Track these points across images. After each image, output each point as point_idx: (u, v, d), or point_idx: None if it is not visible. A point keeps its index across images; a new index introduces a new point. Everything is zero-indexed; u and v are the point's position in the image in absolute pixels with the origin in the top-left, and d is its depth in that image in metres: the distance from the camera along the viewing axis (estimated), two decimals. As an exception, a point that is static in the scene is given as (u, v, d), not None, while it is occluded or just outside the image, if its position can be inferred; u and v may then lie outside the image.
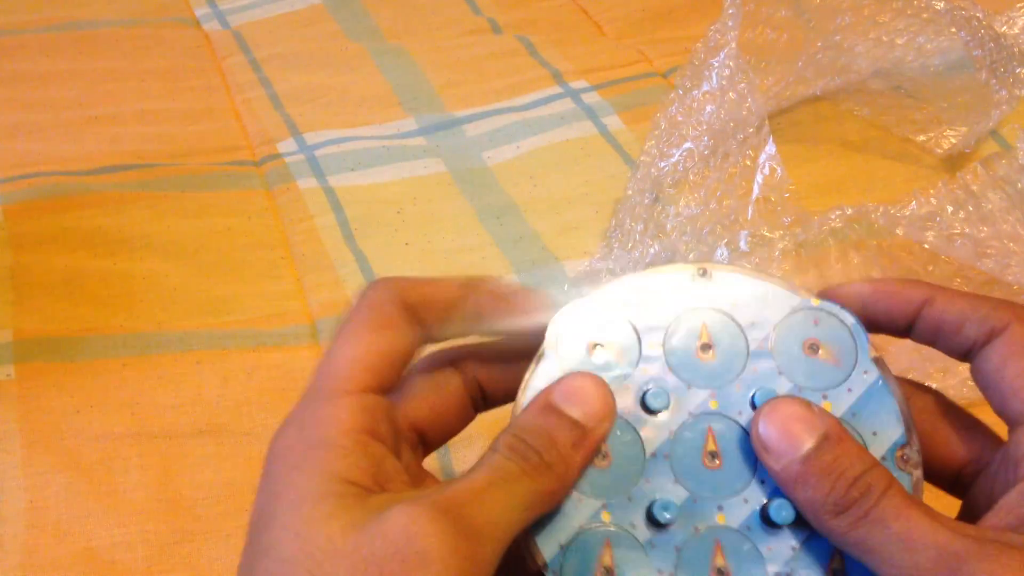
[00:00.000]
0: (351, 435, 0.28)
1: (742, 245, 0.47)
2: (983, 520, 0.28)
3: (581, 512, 0.30)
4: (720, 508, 0.30)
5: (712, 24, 0.55)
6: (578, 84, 0.64)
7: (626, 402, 0.31)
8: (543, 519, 0.29)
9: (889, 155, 0.59)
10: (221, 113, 0.63)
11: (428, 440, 0.32)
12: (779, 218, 0.47)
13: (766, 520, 0.30)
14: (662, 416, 0.31)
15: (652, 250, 0.50)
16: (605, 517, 0.30)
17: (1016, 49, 0.56)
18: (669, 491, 0.30)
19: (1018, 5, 0.61)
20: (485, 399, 0.33)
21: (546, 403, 0.30)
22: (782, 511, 0.29)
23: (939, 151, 0.58)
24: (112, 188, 0.56)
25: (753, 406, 0.31)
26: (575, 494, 0.30)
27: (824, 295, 0.33)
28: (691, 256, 0.48)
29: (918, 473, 0.31)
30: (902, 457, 0.31)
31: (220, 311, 0.50)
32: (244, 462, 0.44)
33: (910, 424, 0.31)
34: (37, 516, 0.41)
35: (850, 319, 0.32)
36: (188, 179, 0.58)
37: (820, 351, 0.32)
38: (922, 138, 0.59)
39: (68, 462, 0.43)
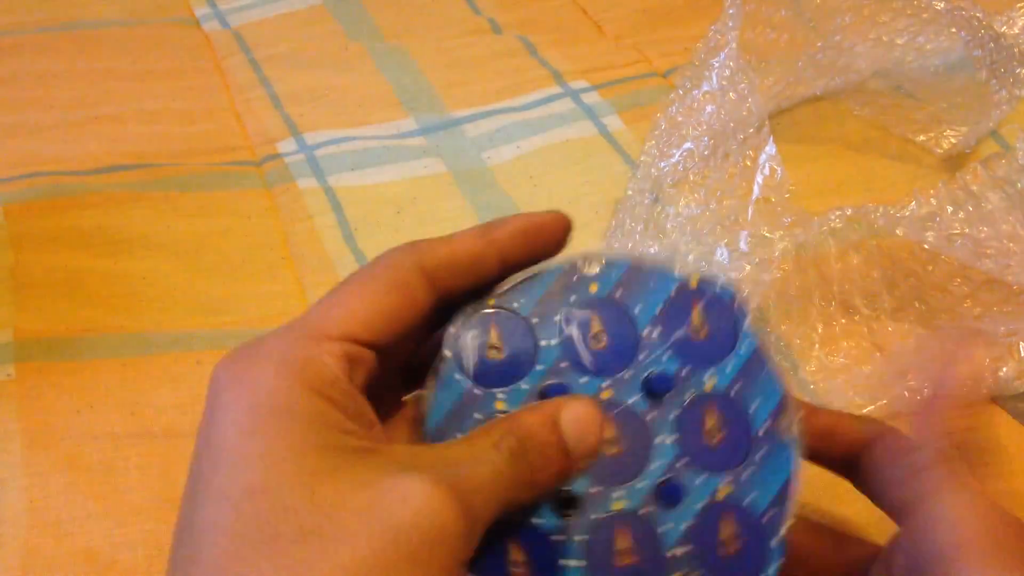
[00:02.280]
0: (342, 384, 0.27)
1: (742, 245, 0.47)
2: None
3: None
4: (619, 495, 0.31)
5: (712, 24, 0.55)
6: (578, 84, 0.64)
7: (527, 397, 0.32)
8: None
9: (889, 155, 0.59)
10: (221, 113, 0.63)
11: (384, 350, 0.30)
12: (779, 218, 0.47)
13: (661, 500, 0.32)
14: None
15: (652, 250, 0.50)
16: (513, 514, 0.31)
17: (1016, 49, 0.56)
18: (572, 483, 0.31)
19: (1018, 5, 0.61)
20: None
21: (554, 421, 0.30)
22: (677, 491, 0.32)
23: (939, 151, 0.58)
24: (112, 188, 0.56)
25: (647, 390, 0.33)
26: None
27: None
28: (690, 257, 0.48)
29: (793, 436, 0.33)
30: (780, 418, 0.33)
31: (220, 311, 0.50)
32: (244, 462, 0.44)
33: (785, 391, 0.33)
34: (37, 516, 0.41)
35: (728, 295, 0.34)
36: (188, 179, 0.58)
37: (702, 330, 0.33)
38: (922, 138, 0.59)
39: (68, 462, 0.43)
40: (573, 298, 0.33)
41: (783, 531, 0.32)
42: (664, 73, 0.65)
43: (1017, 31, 0.60)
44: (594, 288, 0.34)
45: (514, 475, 0.28)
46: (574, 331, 0.33)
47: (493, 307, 0.33)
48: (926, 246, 0.47)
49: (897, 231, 0.46)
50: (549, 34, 0.69)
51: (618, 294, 0.34)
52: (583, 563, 0.31)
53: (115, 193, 0.56)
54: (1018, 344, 0.46)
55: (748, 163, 0.51)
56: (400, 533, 0.25)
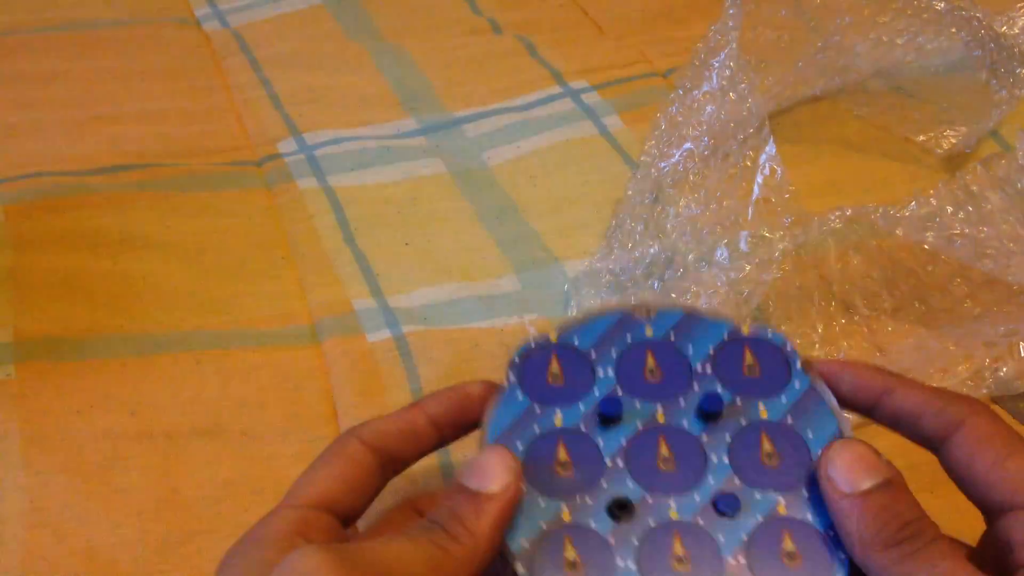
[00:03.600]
0: (278, 534, 0.31)
1: (742, 245, 0.47)
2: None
3: (545, 513, 0.32)
4: (674, 504, 0.33)
5: (712, 24, 0.55)
6: (578, 84, 0.64)
7: (585, 418, 0.35)
8: (514, 522, 0.32)
9: (889, 155, 0.59)
10: (221, 113, 0.63)
11: (343, 514, 0.34)
12: (779, 218, 0.47)
13: (717, 511, 0.32)
14: (618, 426, 0.34)
15: (652, 250, 0.50)
16: (565, 517, 0.32)
17: (1016, 49, 0.56)
18: (627, 491, 0.33)
19: (1018, 5, 0.61)
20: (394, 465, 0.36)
21: (455, 484, 0.32)
22: (730, 503, 0.32)
23: (939, 151, 0.58)
24: (112, 188, 0.56)
25: (700, 415, 0.35)
26: (540, 498, 0.33)
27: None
28: (690, 257, 0.48)
29: None
30: None
31: (220, 311, 0.50)
32: (244, 462, 0.44)
33: (842, 418, 0.34)
34: (37, 516, 0.41)
35: (779, 340, 0.36)
36: (188, 179, 0.58)
37: (755, 369, 0.36)
38: (922, 138, 0.59)
39: (68, 462, 0.43)
40: (629, 338, 0.36)
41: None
42: (664, 73, 0.65)
43: (1017, 31, 0.60)
44: (649, 332, 0.37)
45: (428, 539, 0.30)
46: (629, 364, 0.36)
47: (553, 343, 0.36)
48: (926, 246, 0.47)
49: (897, 231, 0.46)
50: (549, 34, 0.69)
51: (672, 336, 0.36)
52: (636, 564, 0.31)
53: (115, 193, 0.56)
54: (1018, 344, 0.46)
55: (748, 163, 0.51)
56: None
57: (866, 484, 0.31)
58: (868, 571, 0.31)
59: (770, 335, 0.36)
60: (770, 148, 0.48)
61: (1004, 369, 0.45)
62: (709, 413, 0.34)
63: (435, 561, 0.30)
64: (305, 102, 0.64)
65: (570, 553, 0.32)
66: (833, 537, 0.32)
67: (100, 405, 0.46)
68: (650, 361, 0.36)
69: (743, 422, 0.34)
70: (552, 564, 0.31)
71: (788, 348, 0.36)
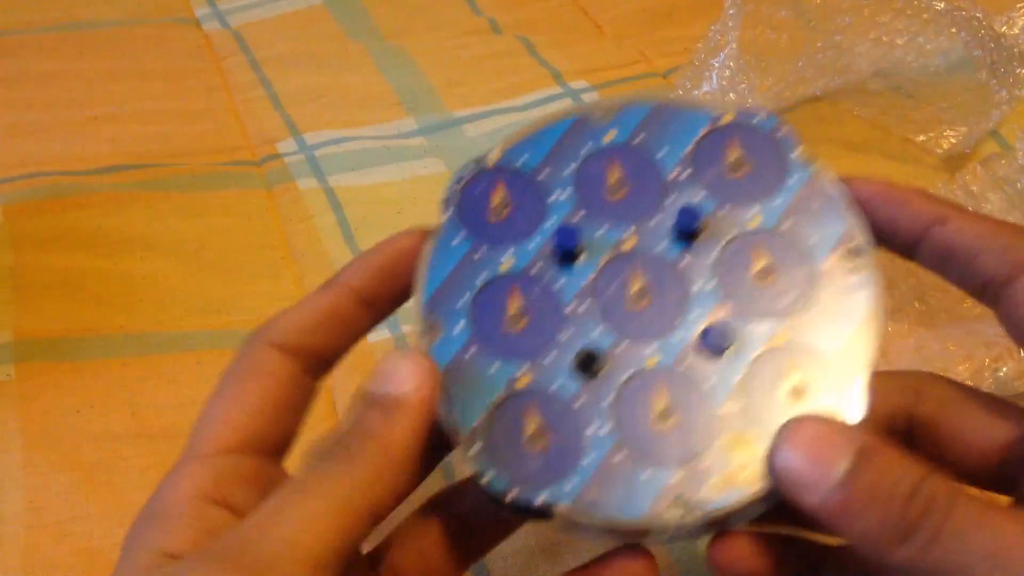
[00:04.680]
0: (184, 503, 0.26)
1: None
2: None
3: (499, 379, 0.27)
4: (652, 349, 0.27)
5: (712, 24, 0.55)
6: (578, 84, 0.64)
7: (538, 257, 0.29)
8: (457, 395, 0.27)
9: (889, 155, 0.59)
10: (221, 113, 0.63)
11: (271, 447, 0.29)
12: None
13: (705, 350, 0.27)
14: (579, 262, 0.29)
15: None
16: (522, 382, 0.27)
17: (1016, 49, 0.56)
18: (594, 340, 0.28)
19: (1018, 5, 0.61)
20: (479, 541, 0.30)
21: (357, 393, 0.27)
22: (719, 337, 0.27)
23: (939, 151, 0.58)
24: (112, 188, 0.56)
25: (678, 235, 0.29)
26: (490, 364, 0.27)
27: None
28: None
29: (869, 272, 0.28)
30: (849, 250, 0.28)
31: (220, 311, 0.50)
32: (244, 462, 0.44)
33: (854, 214, 0.28)
34: (37, 516, 0.41)
35: (770, 124, 0.30)
36: (188, 179, 0.58)
37: (743, 167, 0.29)
38: (922, 138, 0.59)
39: (68, 462, 0.43)
40: (585, 150, 0.30)
41: (866, 377, 0.27)
42: (664, 73, 0.65)
43: (1017, 31, 0.60)
44: (610, 136, 0.30)
45: (319, 476, 0.25)
46: (588, 183, 0.29)
47: (494, 166, 0.30)
48: (926, 246, 0.47)
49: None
50: (549, 34, 0.69)
51: (638, 139, 0.30)
52: (612, 429, 0.27)
53: (115, 193, 0.56)
54: (1018, 344, 0.46)
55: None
56: None
57: (838, 469, 0.24)
58: (901, 574, 0.24)
59: (758, 120, 0.30)
60: (770, 148, 0.48)
61: (1004, 369, 0.45)
62: (686, 231, 0.28)
63: (340, 497, 0.24)
64: (305, 102, 0.64)
65: (530, 425, 0.27)
66: (846, 365, 0.26)
67: (100, 405, 0.46)
68: (613, 174, 0.29)
69: (730, 236, 0.28)
70: (508, 442, 0.27)
71: (782, 133, 0.30)
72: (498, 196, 0.30)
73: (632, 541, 0.27)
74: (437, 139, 0.61)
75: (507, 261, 0.29)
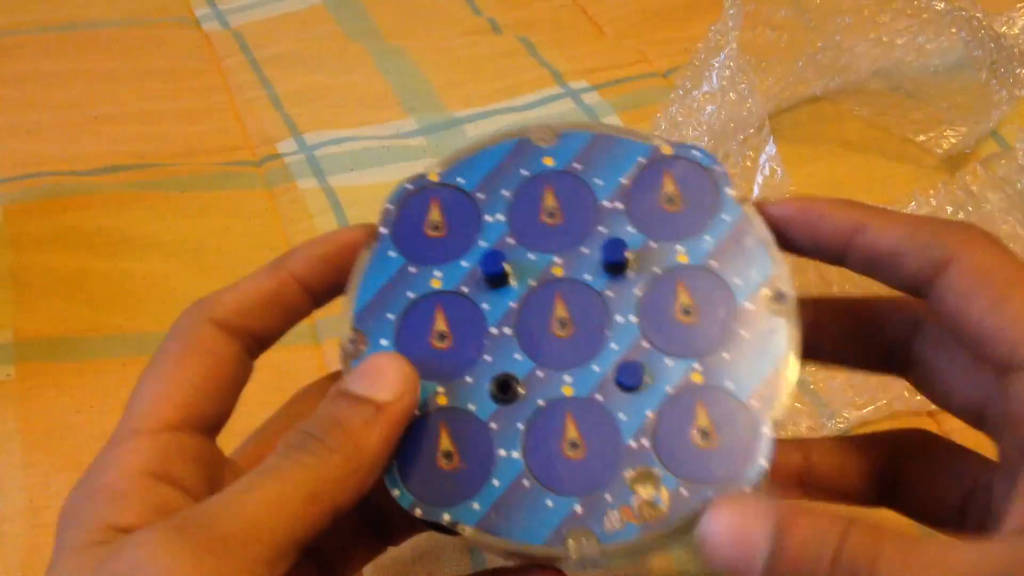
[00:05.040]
0: (130, 479, 0.26)
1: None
2: (1004, 522, 0.24)
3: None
4: (569, 378, 0.28)
5: (712, 24, 0.55)
6: (578, 84, 0.64)
7: (467, 278, 0.29)
8: None
9: (889, 155, 0.59)
10: (221, 113, 0.63)
11: (210, 425, 0.29)
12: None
13: (620, 386, 0.28)
14: (507, 286, 0.29)
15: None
16: (441, 400, 0.28)
17: (1016, 49, 0.56)
18: (513, 365, 0.28)
19: (1018, 5, 0.61)
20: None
21: (337, 390, 0.27)
22: (633, 373, 0.27)
23: (939, 151, 0.58)
24: (112, 188, 0.56)
25: (606, 265, 0.29)
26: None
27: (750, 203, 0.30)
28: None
29: (789, 316, 0.28)
30: (772, 293, 0.28)
31: (220, 311, 0.50)
32: (244, 462, 0.44)
33: (776, 258, 0.29)
34: (37, 516, 0.41)
35: (707, 161, 0.30)
36: (188, 179, 0.58)
37: (677, 201, 0.29)
38: (922, 138, 0.59)
39: (68, 462, 0.43)
40: (525, 172, 0.30)
41: (773, 416, 0.27)
42: (664, 73, 0.65)
43: (1017, 31, 0.60)
44: (549, 161, 0.30)
45: (295, 463, 0.25)
46: (524, 206, 0.30)
47: (434, 183, 0.30)
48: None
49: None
50: (549, 34, 0.69)
51: (577, 166, 0.30)
52: (522, 454, 0.27)
53: (115, 193, 0.56)
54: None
55: (748, 163, 0.51)
56: None
57: (763, 551, 0.24)
58: None
59: (696, 154, 0.30)
60: (770, 148, 0.48)
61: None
62: (613, 263, 0.29)
63: (309, 486, 0.24)
64: (305, 102, 0.64)
65: (445, 443, 0.27)
66: (760, 405, 0.27)
67: (100, 405, 0.46)
68: (549, 200, 0.29)
69: (657, 270, 0.29)
70: (423, 459, 0.27)
71: (718, 171, 0.30)
72: (436, 213, 0.30)
73: (540, 564, 0.27)
74: (437, 139, 0.61)
75: (438, 279, 0.29)
